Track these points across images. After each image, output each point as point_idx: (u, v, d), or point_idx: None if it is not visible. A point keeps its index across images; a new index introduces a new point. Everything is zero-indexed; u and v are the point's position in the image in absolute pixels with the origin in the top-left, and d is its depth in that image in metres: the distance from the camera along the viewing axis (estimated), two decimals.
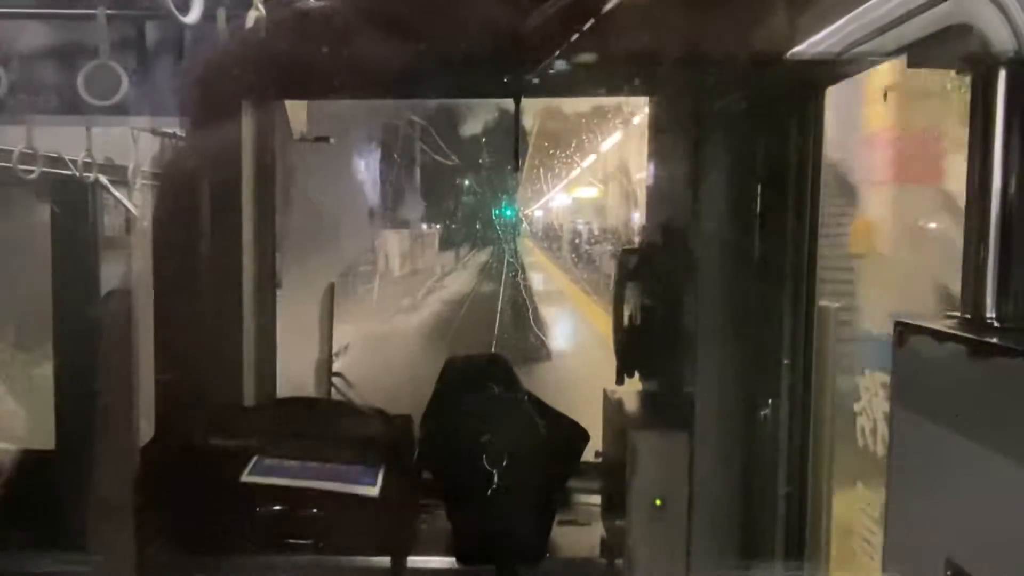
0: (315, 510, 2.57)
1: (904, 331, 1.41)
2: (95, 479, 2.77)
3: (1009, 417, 1.16)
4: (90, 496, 2.73)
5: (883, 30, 1.69)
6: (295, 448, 2.69)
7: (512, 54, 2.40)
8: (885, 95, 2.00)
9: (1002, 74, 1.37)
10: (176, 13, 1.96)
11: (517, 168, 6.24)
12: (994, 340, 1.26)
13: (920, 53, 1.60)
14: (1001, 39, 1.34)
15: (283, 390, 3.35)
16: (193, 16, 2.01)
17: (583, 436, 2.96)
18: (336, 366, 4.09)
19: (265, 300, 3.28)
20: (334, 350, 4.10)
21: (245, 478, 2.61)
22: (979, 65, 1.40)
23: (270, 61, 2.41)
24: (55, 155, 3.42)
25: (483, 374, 2.96)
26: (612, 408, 2.94)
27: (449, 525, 2.81)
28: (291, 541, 2.56)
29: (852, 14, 1.75)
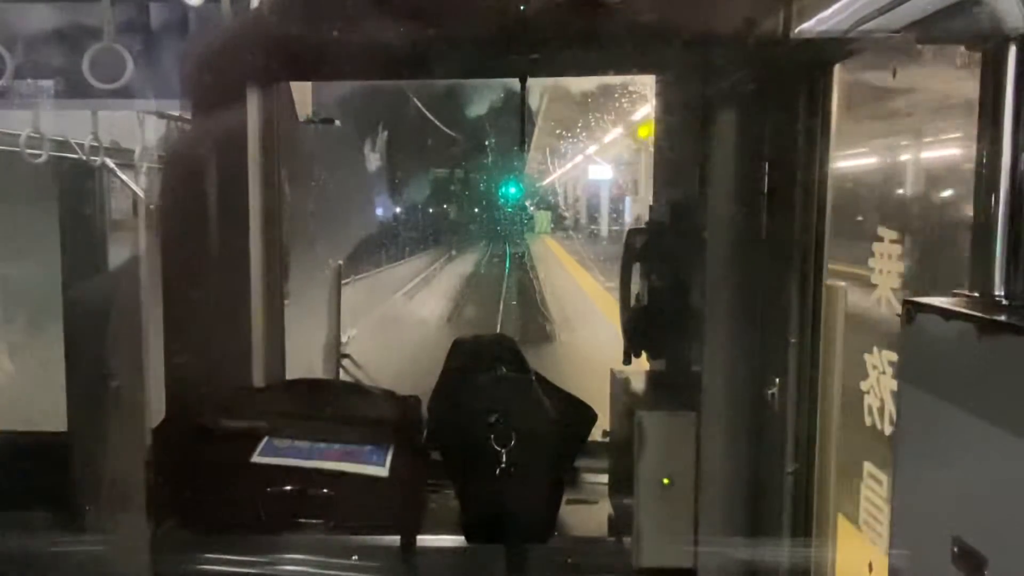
0: (325, 490, 2.59)
1: (912, 309, 1.41)
2: (107, 460, 2.80)
3: (1017, 395, 1.16)
4: (102, 477, 2.76)
5: (892, 6, 1.67)
6: (305, 429, 2.71)
7: (518, 33, 2.38)
8: (894, 72, 1.98)
9: (1012, 50, 1.36)
10: None
11: (523, 148, 6.23)
12: (1002, 318, 1.26)
13: (929, 29, 1.59)
14: (1011, 15, 1.33)
15: (292, 372, 3.37)
16: None
17: (591, 416, 2.97)
18: (344, 347, 4.12)
19: (273, 282, 3.29)
20: (342, 331, 4.12)
21: (256, 459, 2.63)
22: (989, 41, 1.39)
23: (275, 43, 2.40)
24: (62, 139, 3.43)
25: (490, 354, 2.97)
26: (619, 388, 2.94)
27: (458, 504, 2.82)
28: (301, 520, 2.58)
29: None
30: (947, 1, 1.49)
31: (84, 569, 2.56)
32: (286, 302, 3.39)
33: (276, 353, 3.29)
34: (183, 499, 2.63)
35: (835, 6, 1.89)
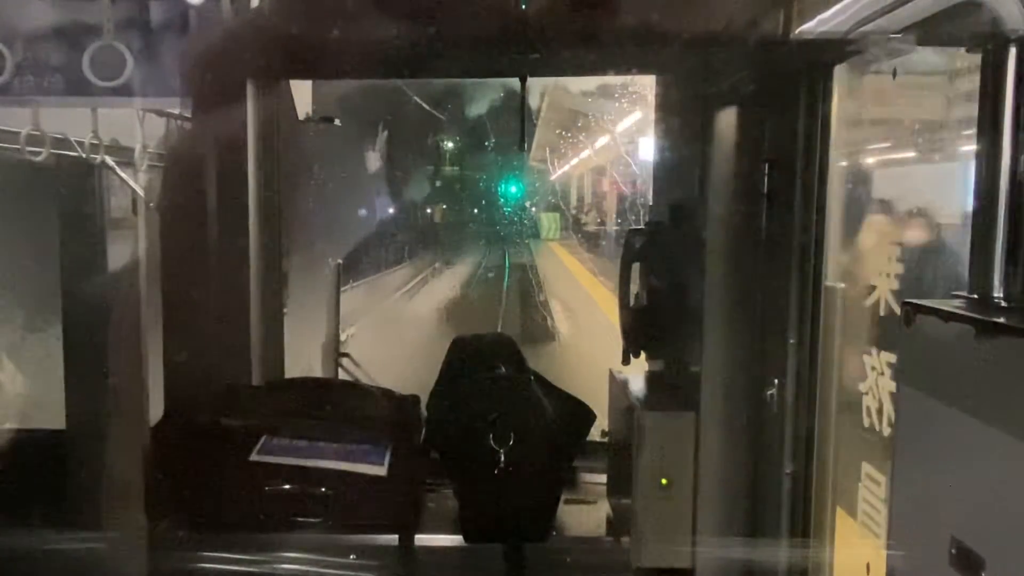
0: (324, 489, 2.59)
1: (911, 310, 1.41)
2: (106, 458, 2.80)
3: (1015, 397, 1.16)
4: (101, 475, 2.76)
5: (892, 7, 1.68)
6: (304, 428, 2.71)
7: (518, 32, 2.38)
8: (894, 73, 1.98)
9: (1012, 52, 1.36)
10: None
11: (523, 148, 6.21)
12: (1001, 320, 1.26)
13: (929, 31, 1.59)
14: (1011, 17, 1.33)
15: (291, 370, 3.37)
16: None
17: (589, 415, 2.97)
18: (343, 347, 4.12)
19: (272, 280, 3.29)
20: (341, 330, 4.12)
21: (254, 457, 2.63)
22: (989, 43, 1.39)
23: (275, 41, 2.40)
24: (61, 136, 3.42)
25: (490, 353, 2.97)
26: (618, 388, 2.94)
27: (456, 503, 2.83)
28: (300, 519, 2.59)
29: None
30: (948, 3, 1.49)
31: (82, 567, 2.56)
32: (284, 309, 3.39)
33: (275, 351, 3.29)
34: (181, 497, 2.63)
35: (835, 7, 1.89)
